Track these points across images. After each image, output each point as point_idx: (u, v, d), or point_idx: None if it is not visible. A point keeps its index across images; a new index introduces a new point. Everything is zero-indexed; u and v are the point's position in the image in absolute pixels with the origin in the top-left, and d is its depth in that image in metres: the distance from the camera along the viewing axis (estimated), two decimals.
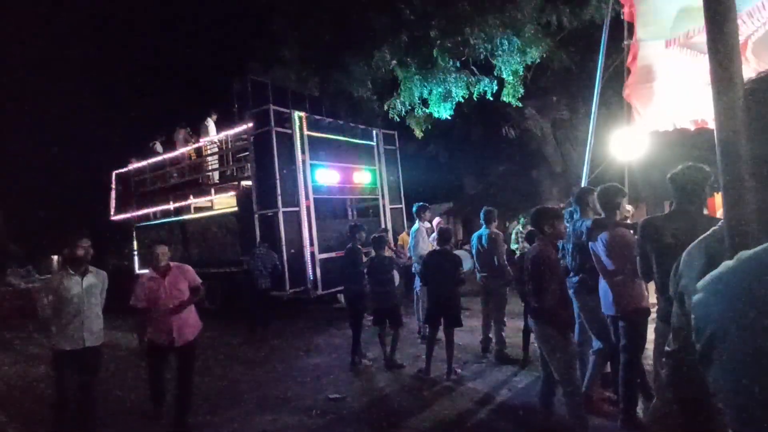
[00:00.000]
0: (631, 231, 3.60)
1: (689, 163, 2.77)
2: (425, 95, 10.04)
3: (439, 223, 8.49)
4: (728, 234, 0.86)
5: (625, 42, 4.84)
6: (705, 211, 2.90)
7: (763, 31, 3.14)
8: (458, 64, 9.49)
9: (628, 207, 6.43)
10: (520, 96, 9.69)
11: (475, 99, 9.98)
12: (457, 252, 9.22)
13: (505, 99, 9.71)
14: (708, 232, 1.10)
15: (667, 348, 1.32)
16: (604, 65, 5.47)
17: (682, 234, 2.51)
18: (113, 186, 13.47)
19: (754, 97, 0.86)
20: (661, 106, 4.55)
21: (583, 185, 5.02)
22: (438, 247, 5.61)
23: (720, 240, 0.96)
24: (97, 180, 14.36)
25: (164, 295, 4.30)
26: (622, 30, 5.00)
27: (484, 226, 6.07)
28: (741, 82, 0.87)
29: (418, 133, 11.46)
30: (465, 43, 9.07)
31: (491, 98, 9.87)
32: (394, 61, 9.76)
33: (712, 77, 0.89)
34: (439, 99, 9.89)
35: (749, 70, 3.23)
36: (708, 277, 0.73)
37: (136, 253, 12.46)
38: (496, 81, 9.62)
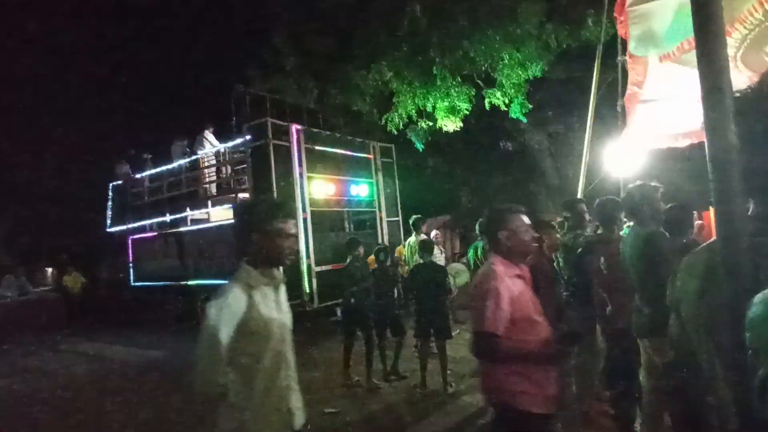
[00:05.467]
0: None
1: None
2: (427, 108, 10.06)
3: (436, 235, 8.48)
4: (721, 244, 0.87)
5: (620, 58, 4.90)
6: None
7: (753, 35, 3.12)
8: (458, 79, 9.52)
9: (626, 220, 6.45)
10: (526, 111, 9.71)
11: (487, 109, 9.94)
12: (453, 265, 9.28)
13: (512, 115, 9.70)
14: (706, 243, 1.10)
15: (663, 360, 1.31)
16: (599, 80, 5.54)
17: None
18: (110, 197, 13.45)
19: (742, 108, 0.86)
20: (657, 121, 4.58)
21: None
22: (422, 260, 5.56)
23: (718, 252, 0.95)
24: (93, 191, 14.31)
25: (538, 313, 2.29)
26: (617, 46, 5.08)
27: (479, 237, 6.10)
28: (731, 98, 0.88)
29: (419, 146, 11.46)
30: (465, 57, 9.13)
31: (503, 108, 9.81)
32: (391, 74, 9.75)
33: (703, 92, 0.91)
34: (446, 112, 9.93)
35: (742, 78, 3.25)
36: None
37: (131, 265, 12.43)
38: (505, 93, 9.58)
